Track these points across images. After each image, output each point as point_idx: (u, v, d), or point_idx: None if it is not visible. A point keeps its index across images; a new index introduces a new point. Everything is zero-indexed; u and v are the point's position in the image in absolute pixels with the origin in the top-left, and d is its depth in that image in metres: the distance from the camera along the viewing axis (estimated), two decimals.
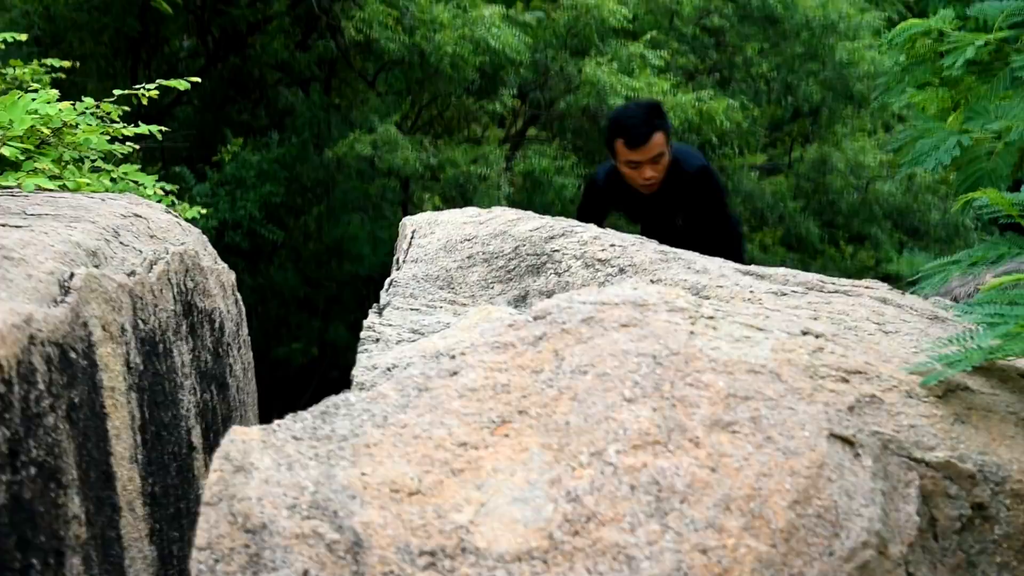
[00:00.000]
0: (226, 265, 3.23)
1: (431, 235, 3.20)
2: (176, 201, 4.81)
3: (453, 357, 1.91)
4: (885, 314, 2.35)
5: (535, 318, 1.96)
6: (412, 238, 3.24)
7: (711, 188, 4.94)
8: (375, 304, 2.73)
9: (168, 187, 4.76)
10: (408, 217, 3.59)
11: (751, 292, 2.46)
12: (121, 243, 2.56)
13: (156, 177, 3.90)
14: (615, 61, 11.13)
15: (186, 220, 4.69)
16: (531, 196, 10.96)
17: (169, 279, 2.67)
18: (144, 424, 2.31)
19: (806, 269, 12.00)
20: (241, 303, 3.33)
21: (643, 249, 2.78)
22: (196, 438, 2.71)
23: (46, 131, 3.38)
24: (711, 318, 1.94)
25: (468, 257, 2.98)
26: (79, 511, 1.89)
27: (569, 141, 11.69)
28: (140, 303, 2.42)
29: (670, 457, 1.58)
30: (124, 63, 12.48)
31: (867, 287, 2.59)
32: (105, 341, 2.15)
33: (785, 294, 2.47)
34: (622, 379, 1.72)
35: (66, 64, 6.05)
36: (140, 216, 2.80)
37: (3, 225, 2.32)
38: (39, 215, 2.57)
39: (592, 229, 2.96)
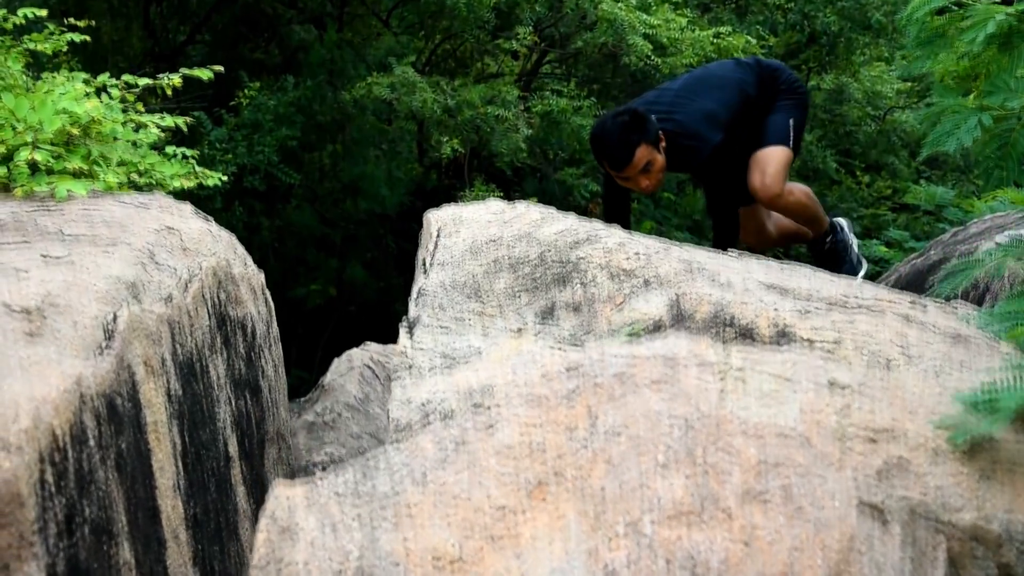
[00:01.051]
0: (255, 267, 3.28)
1: (456, 235, 3.23)
2: (197, 169, 4.84)
3: (488, 408, 1.96)
4: (908, 336, 2.39)
5: (567, 369, 2.01)
6: (438, 237, 3.27)
7: (724, 167, 4.87)
8: (404, 319, 2.78)
9: (189, 152, 4.79)
10: (431, 211, 3.62)
11: (775, 311, 2.50)
12: (156, 264, 2.61)
13: (178, 168, 3.93)
14: None
15: (211, 184, 4.76)
16: (548, 135, 10.94)
17: (204, 296, 2.72)
18: (185, 449, 2.38)
19: (822, 199, 11.97)
20: (271, 302, 3.38)
21: (667, 258, 2.82)
22: (233, 448, 2.79)
23: (75, 131, 3.41)
24: (740, 370, 1.98)
25: (494, 261, 3.02)
26: (128, 557, 1.96)
27: (586, 79, 11.63)
28: (178, 328, 2.48)
29: (704, 530, 1.64)
30: (137, 2, 12.40)
31: (889, 302, 2.62)
32: (147, 378, 2.20)
33: (808, 312, 2.51)
34: (655, 443, 1.77)
35: (82, 24, 6.06)
36: (172, 228, 2.85)
37: (45, 257, 2.37)
38: (76, 236, 2.61)
39: (616, 234, 2.99)
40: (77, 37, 5.04)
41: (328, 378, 7.14)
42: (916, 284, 6.79)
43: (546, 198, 11.55)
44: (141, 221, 2.82)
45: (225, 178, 5.11)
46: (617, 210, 5.19)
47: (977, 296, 3.52)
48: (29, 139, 3.29)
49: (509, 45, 11.53)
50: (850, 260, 5.42)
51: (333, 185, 12.44)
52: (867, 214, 14.06)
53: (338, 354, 13.51)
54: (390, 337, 13.61)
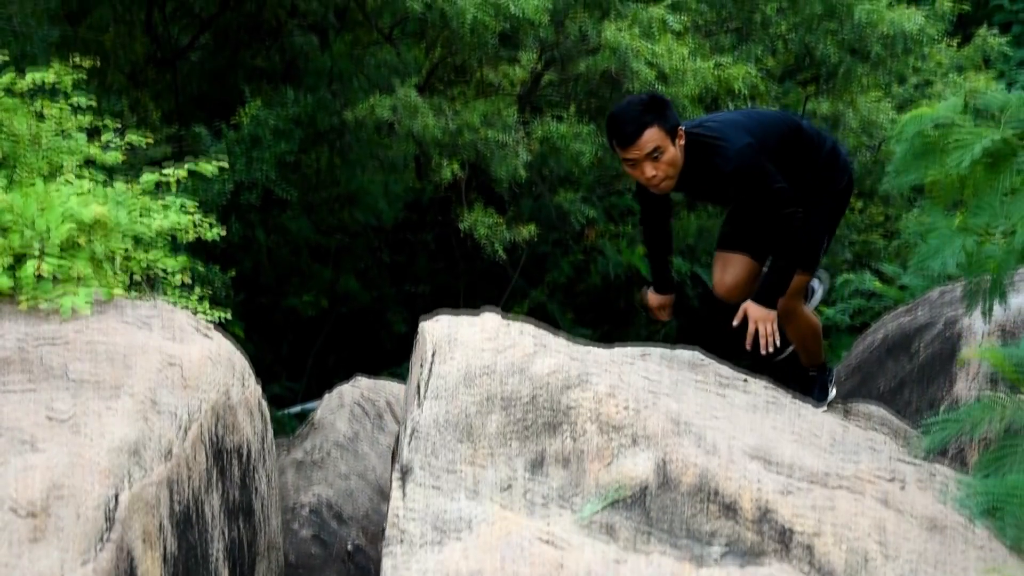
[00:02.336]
0: (254, 382, 3.34)
1: (451, 360, 3.30)
2: (196, 218, 4.89)
3: None
4: (886, 526, 2.47)
5: (558, 567, 2.08)
6: (432, 362, 3.34)
7: (755, 186, 4.44)
8: (396, 466, 2.85)
9: (189, 202, 4.83)
10: (427, 323, 3.68)
11: (758, 487, 2.57)
12: (158, 411, 2.67)
13: (182, 262, 3.98)
14: (635, 25, 11.07)
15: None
16: (547, 160, 11.00)
17: (203, 438, 2.79)
18: None
19: None
20: (267, 413, 3.45)
21: (655, 412, 2.89)
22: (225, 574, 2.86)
23: (82, 239, 3.47)
24: None
25: (487, 398, 3.09)
26: None
27: (586, 103, 11.67)
28: (176, 483, 2.55)
29: None
30: (140, 6, 12.40)
31: (869, 481, 2.70)
32: (145, 552, 2.28)
33: (790, 492, 2.58)
34: None
35: (87, 64, 6.11)
36: (173, 362, 2.91)
37: (51, 418, 2.44)
38: (80, 382, 2.68)
39: (606, 382, 3.05)
40: (77, 75, 5.07)
41: (318, 415, 7.21)
42: (903, 345, 6.88)
43: (542, 221, 11.62)
44: (144, 356, 2.89)
45: (223, 231, 5.12)
46: (651, 214, 4.96)
47: (958, 445, 3.58)
48: (36, 248, 3.35)
49: (512, 72, 11.56)
50: (822, 397, 5.06)
51: (329, 194, 12.50)
52: (859, 240, 14.16)
53: (328, 363, 13.62)
54: (381, 346, 13.68)
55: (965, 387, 6.45)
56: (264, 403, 3.42)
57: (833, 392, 5.23)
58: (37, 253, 3.33)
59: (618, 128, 4.37)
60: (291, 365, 13.03)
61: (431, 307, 14.08)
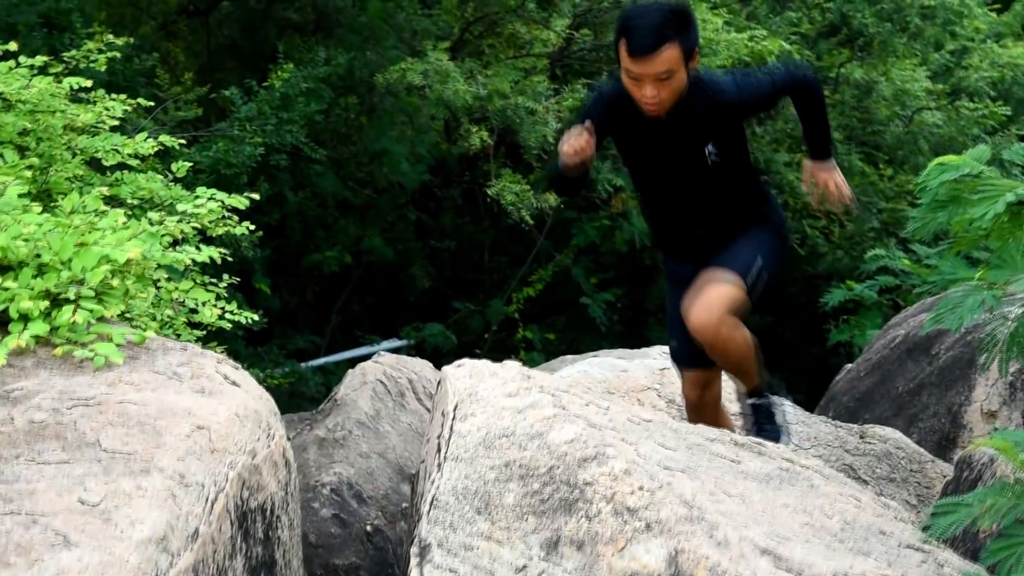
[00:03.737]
0: (280, 430, 3.43)
1: (471, 419, 3.37)
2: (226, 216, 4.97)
3: None
4: None
5: None
6: (454, 418, 3.41)
7: (761, 94, 4.13)
8: (415, 540, 2.94)
9: (220, 196, 4.90)
10: (450, 371, 3.74)
11: None
12: (186, 487, 2.77)
13: (211, 296, 4.06)
14: None
15: (239, 233, 4.85)
16: None
17: (228, 508, 2.89)
18: None
19: None
20: (292, 461, 3.53)
21: (670, 497, 2.96)
22: None
23: (116, 282, 3.54)
24: None
25: (505, 465, 3.16)
26: None
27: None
28: (202, 566, 2.65)
29: None
30: None
31: None
32: None
33: None
34: None
35: (119, 41, 6.14)
36: (203, 428, 3.01)
37: (83, 503, 2.54)
38: (113, 455, 2.78)
39: (623, 457, 3.12)
40: (120, 108, 5.13)
41: (341, 392, 7.32)
42: (923, 346, 6.90)
43: None
44: (173, 421, 2.98)
45: (251, 231, 5.15)
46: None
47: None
48: (72, 292, 3.43)
49: (543, 34, 11.52)
50: (774, 432, 4.48)
51: (358, 150, 12.54)
52: (887, 208, 14.09)
53: (352, 317, 13.74)
54: (405, 301, 13.78)
55: (984, 394, 6.50)
56: (289, 451, 3.51)
57: (785, 421, 4.71)
58: (73, 297, 3.41)
59: (633, 36, 3.83)
60: (316, 318, 13.19)
61: (456, 264, 14.20)
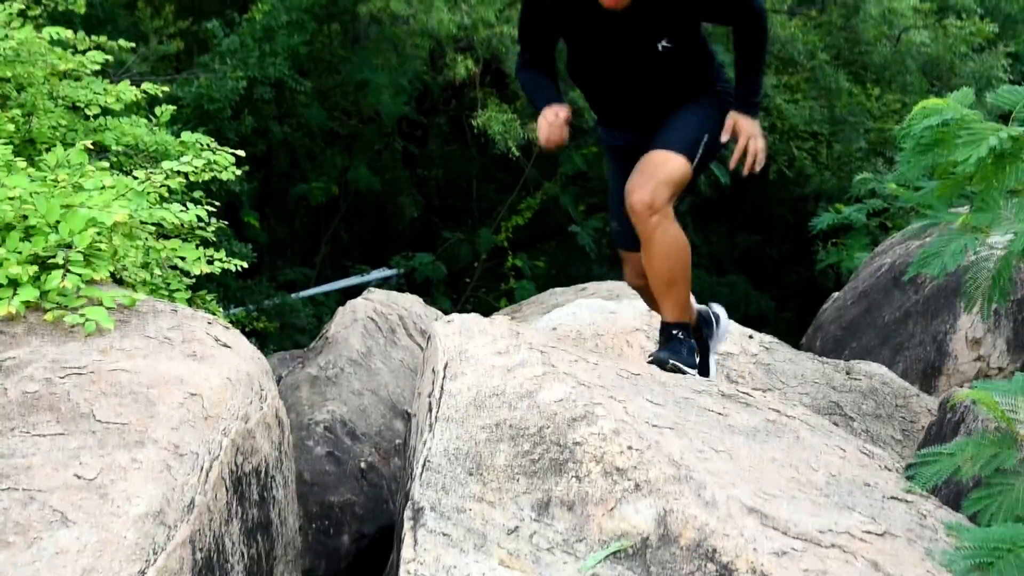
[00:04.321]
0: (273, 391, 3.46)
1: (461, 377, 3.41)
2: (212, 159, 4.98)
3: None
4: None
5: None
6: (444, 377, 3.45)
7: None
8: (408, 504, 2.98)
9: (204, 140, 4.87)
10: (439, 328, 3.77)
11: (754, 548, 2.71)
12: (180, 457, 2.81)
13: (200, 253, 4.06)
14: None
15: (226, 179, 4.84)
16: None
17: (223, 475, 2.93)
18: None
19: (831, 112, 11.95)
20: (285, 420, 3.56)
21: (659, 456, 3.01)
22: None
23: (104, 244, 3.55)
24: None
25: (496, 425, 3.21)
26: None
27: None
28: (199, 536, 2.70)
29: None
30: None
31: (861, 539, 2.82)
32: None
33: (786, 553, 2.72)
34: None
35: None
36: (195, 395, 3.04)
37: (79, 477, 2.57)
38: (107, 426, 2.81)
39: (612, 416, 3.15)
40: (101, 56, 5.09)
41: (332, 330, 7.36)
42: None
43: None
44: (166, 390, 3.01)
45: (239, 172, 5.15)
46: (536, 49, 4.20)
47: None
48: (61, 256, 3.44)
49: None
50: (691, 358, 4.11)
51: (343, 79, 12.43)
52: (875, 128, 14.05)
53: (341, 245, 13.72)
54: (393, 230, 13.76)
55: (968, 322, 6.57)
56: (283, 411, 3.55)
57: (713, 367, 4.44)
58: (62, 262, 3.42)
59: None
60: (304, 249, 13.20)
61: (444, 192, 14.17)
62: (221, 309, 5.57)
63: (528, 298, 9.25)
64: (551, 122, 3.97)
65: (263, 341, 9.98)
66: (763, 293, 15.13)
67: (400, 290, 12.65)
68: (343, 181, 12.66)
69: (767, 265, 15.86)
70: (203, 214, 3.96)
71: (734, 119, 3.96)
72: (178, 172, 4.09)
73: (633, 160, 4.06)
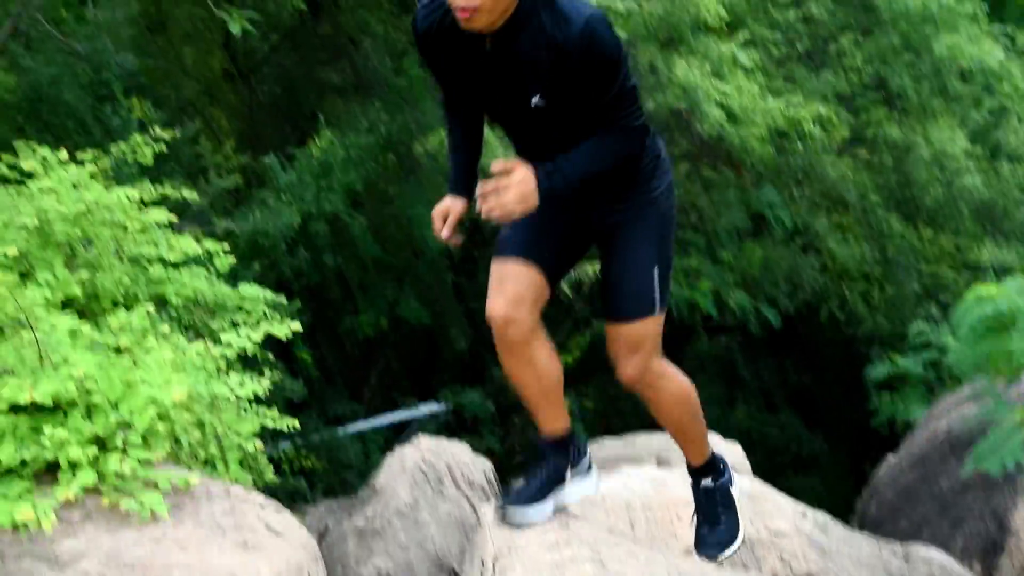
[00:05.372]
0: (320, 567, 3.45)
1: (511, 573, 3.37)
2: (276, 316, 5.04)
3: None
4: None
5: None
6: (494, 572, 3.42)
7: (602, 71, 3.11)
8: None
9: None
10: (487, 513, 3.73)
11: None
12: None
13: (254, 427, 4.09)
14: (706, 62, 11.00)
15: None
16: None
17: None
18: None
19: (883, 254, 11.88)
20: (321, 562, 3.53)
21: None
22: None
23: (161, 427, 3.58)
24: None
25: None
26: None
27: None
28: None
29: None
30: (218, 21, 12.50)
31: None
32: None
33: None
34: None
35: (167, 135, 6.24)
36: None
37: None
38: None
39: None
40: (164, 214, 5.20)
41: (380, 479, 7.33)
42: (968, 444, 6.81)
43: None
44: None
45: (293, 330, 5.16)
46: (448, 89, 3.56)
47: None
48: (120, 439, 3.47)
49: None
50: (730, 522, 3.87)
51: (398, 210, 12.58)
52: (928, 271, 13.97)
53: (390, 379, 13.74)
54: (442, 362, 13.79)
55: None
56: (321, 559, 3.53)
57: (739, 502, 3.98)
58: (120, 445, 3.45)
59: None
60: (354, 379, 13.22)
61: None
62: (268, 458, 5.56)
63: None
64: (438, 224, 3.54)
65: (310, 479, 9.98)
66: (815, 434, 14.94)
67: (448, 426, 12.67)
68: (393, 311, 12.72)
69: (819, 404, 15.69)
70: (260, 391, 3.99)
71: (518, 165, 3.17)
72: (233, 345, 4.15)
73: (553, 223, 3.50)
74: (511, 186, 3.11)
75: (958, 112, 13.42)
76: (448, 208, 3.55)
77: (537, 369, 3.61)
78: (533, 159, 3.25)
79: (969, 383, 7.08)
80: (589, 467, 3.89)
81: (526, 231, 3.46)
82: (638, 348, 3.55)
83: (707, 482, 3.88)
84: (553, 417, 3.71)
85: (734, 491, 3.93)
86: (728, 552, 3.83)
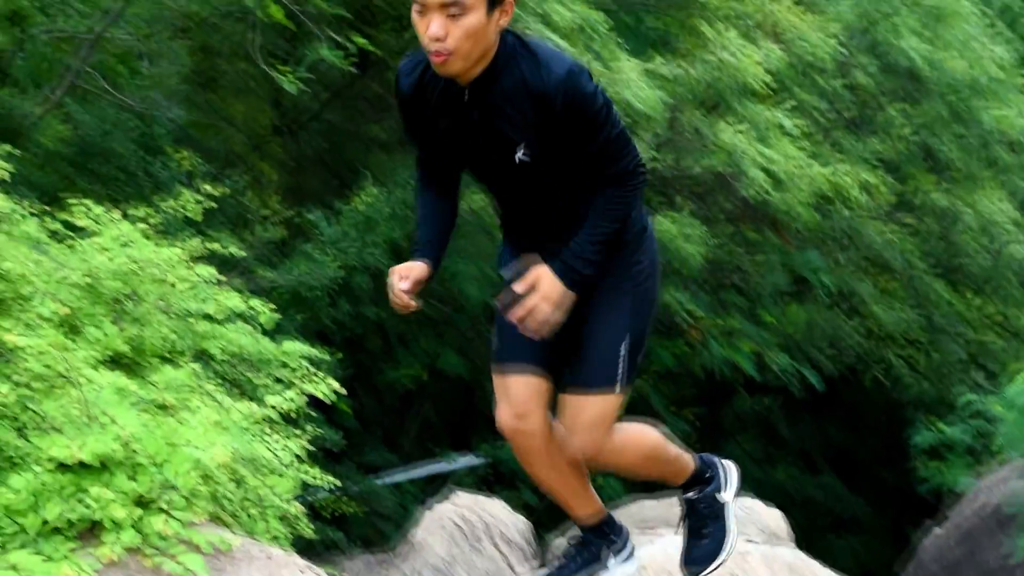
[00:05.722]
0: None
1: None
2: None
3: None
4: None
5: None
6: None
7: (587, 120, 3.04)
8: None
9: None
10: (524, 572, 3.71)
11: None
12: None
13: (294, 487, 4.11)
14: (751, 127, 11.03)
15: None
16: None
17: None
18: None
19: (929, 320, 11.80)
20: None
21: None
22: None
23: (205, 488, 3.60)
24: None
25: None
26: None
27: (699, 205, 11.68)
28: None
29: None
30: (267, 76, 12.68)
31: None
32: None
33: None
34: None
35: (216, 192, 6.33)
36: None
37: None
38: None
39: None
40: (210, 272, 5.26)
41: (417, 535, 7.33)
42: (1014, 521, 6.73)
43: None
44: None
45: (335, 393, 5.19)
46: (424, 146, 3.36)
47: None
48: (163, 501, 3.49)
49: None
50: (717, 533, 3.70)
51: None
52: (974, 339, 13.86)
53: (428, 434, 13.77)
54: (480, 415, 13.82)
55: None
56: None
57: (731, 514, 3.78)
58: (164, 506, 3.47)
59: None
60: (391, 429, 13.24)
61: None
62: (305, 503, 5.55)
63: (616, 498, 9.15)
64: (394, 290, 3.28)
65: (346, 528, 9.99)
66: (856, 495, 14.80)
67: (486, 479, 12.63)
68: (432, 364, 12.76)
69: (860, 466, 15.55)
70: (300, 451, 4.02)
71: (539, 274, 3.10)
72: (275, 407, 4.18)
73: None
74: (541, 300, 3.07)
75: (1006, 182, 13.37)
76: (410, 269, 3.30)
77: (557, 469, 3.48)
78: (521, 219, 3.27)
79: (1020, 458, 7.02)
80: (631, 553, 3.70)
81: (514, 329, 3.21)
82: (594, 427, 3.33)
83: (691, 494, 3.70)
84: (582, 505, 3.60)
85: (723, 495, 3.72)
86: (712, 567, 3.63)
